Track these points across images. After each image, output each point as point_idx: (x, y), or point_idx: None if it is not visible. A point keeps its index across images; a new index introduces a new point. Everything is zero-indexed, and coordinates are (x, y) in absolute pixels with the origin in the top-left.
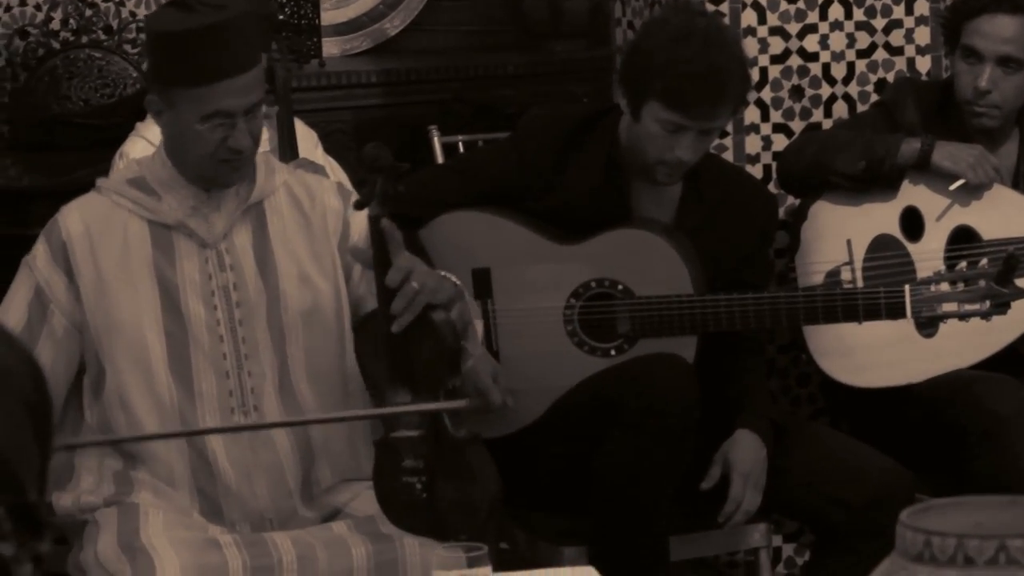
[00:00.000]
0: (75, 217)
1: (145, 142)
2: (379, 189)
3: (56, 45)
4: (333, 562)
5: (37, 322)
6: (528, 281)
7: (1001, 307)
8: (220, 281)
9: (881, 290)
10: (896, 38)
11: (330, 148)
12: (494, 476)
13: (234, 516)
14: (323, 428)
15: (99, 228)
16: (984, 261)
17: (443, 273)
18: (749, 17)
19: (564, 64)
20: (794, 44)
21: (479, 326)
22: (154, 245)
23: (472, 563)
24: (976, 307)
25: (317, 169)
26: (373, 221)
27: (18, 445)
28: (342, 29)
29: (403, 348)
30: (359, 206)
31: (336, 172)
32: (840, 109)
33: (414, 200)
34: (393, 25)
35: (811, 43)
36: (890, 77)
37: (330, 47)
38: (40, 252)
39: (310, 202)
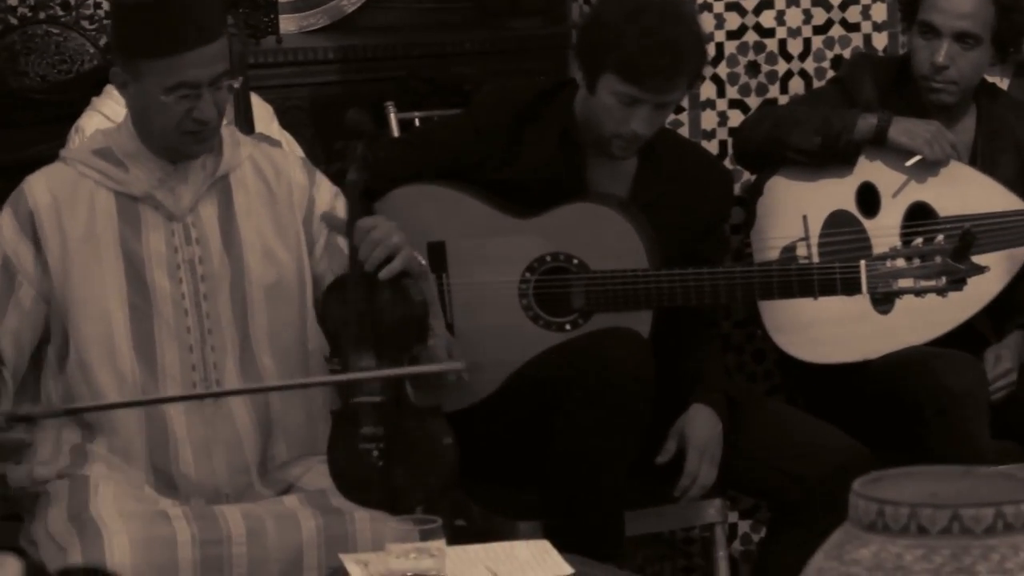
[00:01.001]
0: (42, 187)
1: (101, 116)
2: (360, 154)
3: (13, 21)
4: (283, 535)
5: (4, 293)
6: (483, 255)
7: (957, 283)
8: (186, 255)
9: (837, 265)
10: (853, 14)
11: (287, 124)
12: (452, 447)
13: (189, 491)
14: (282, 403)
15: (66, 198)
16: (940, 237)
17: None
18: None
19: (521, 41)
20: (750, 20)
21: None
22: (120, 217)
23: (425, 536)
24: (932, 283)
25: (274, 144)
26: (352, 186)
27: None
28: (299, 6)
29: (372, 312)
30: (338, 173)
31: (292, 147)
32: (796, 85)
33: (377, 172)
34: (350, 2)
35: (767, 19)
36: (847, 53)
37: (287, 23)
38: (6, 222)
39: (275, 176)
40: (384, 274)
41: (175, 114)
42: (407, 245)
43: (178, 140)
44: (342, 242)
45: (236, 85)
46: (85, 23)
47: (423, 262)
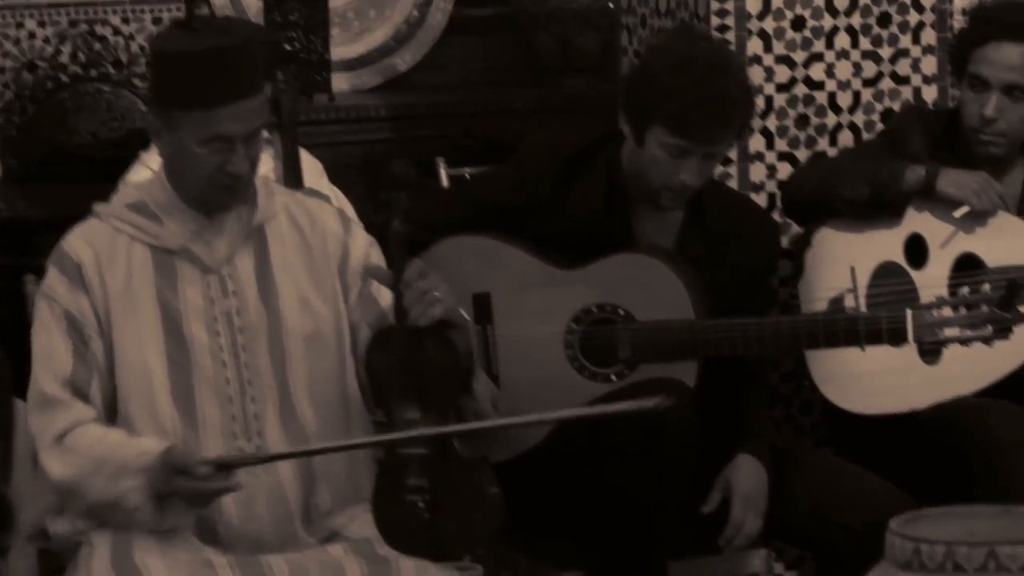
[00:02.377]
0: (81, 242)
1: (148, 170)
2: (404, 205)
3: (65, 79)
4: None
5: (82, 351)
6: (528, 306)
7: (1003, 332)
8: (223, 307)
9: (883, 315)
10: (903, 67)
11: (338, 182)
12: (498, 498)
13: (232, 540)
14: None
15: (105, 253)
16: (987, 287)
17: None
18: (755, 45)
19: (573, 99)
20: (800, 72)
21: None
22: (156, 270)
23: None
24: (978, 332)
25: (323, 199)
26: (396, 237)
27: None
28: (352, 64)
29: (416, 363)
30: (387, 222)
31: (342, 203)
32: (846, 138)
33: (421, 222)
34: (403, 61)
35: (817, 71)
36: (896, 106)
37: (340, 82)
38: (56, 281)
39: (311, 226)
40: (425, 320)
41: (208, 166)
42: (451, 296)
43: (209, 192)
44: (376, 291)
45: (272, 139)
46: (136, 81)
47: (465, 316)
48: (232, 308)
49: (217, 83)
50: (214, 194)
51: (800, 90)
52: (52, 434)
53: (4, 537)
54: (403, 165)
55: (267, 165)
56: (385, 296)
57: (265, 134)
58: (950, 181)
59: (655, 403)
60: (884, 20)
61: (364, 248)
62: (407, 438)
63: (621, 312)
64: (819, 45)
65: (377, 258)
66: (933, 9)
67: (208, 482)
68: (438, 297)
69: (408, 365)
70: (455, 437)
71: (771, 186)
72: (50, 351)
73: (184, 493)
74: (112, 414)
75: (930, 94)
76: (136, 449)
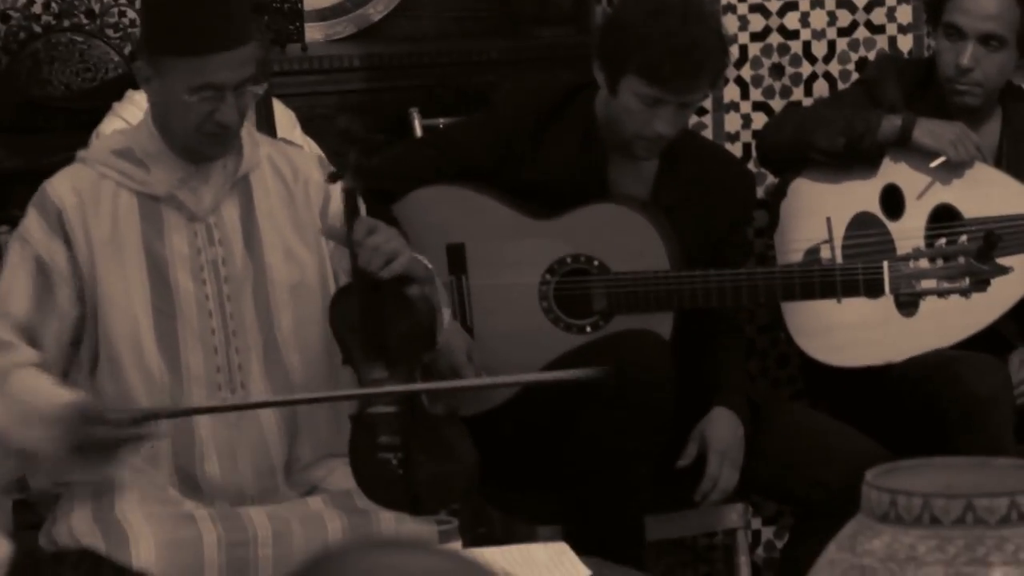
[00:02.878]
0: (66, 186)
1: (122, 121)
2: (353, 161)
3: (37, 29)
4: (308, 536)
5: (44, 297)
6: (503, 257)
7: (981, 284)
8: (209, 255)
9: (859, 266)
10: (878, 16)
11: (312, 132)
12: (471, 452)
13: (213, 493)
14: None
15: (89, 198)
16: (964, 238)
17: (416, 255)
18: None
19: (549, 50)
20: (774, 22)
21: (447, 314)
22: (143, 217)
23: (443, 537)
24: (955, 284)
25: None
26: (347, 194)
27: None
28: (325, 14)
29: (378, 322)
30: (332, 178)
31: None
32: (821, 88)
33: (388, 174)
34: (377, 10)
35: (791, 21)
36: (871, 56)
37: (313, 32)
38: (34, 223)
39: (293, 175)
40: (385, 274)
41: (196, 115)
42: (407, 249)
43: (197, 140)
44: None
45: (259, 92)
46: (109, 31)
47: (428, 265)
48: (218, 257)
49: (209, 31)
50: (202, 143)
51: (775, 39)
52: None
53: None
54: (349, 121)
55: None
56: None
57: (257, 89)
58: (926, 131)
59: (586, 374)
60: None
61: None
62: (371, 394)
63: (596, 263)
64: None
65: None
66: None
67: (122, 430)
68: (393, 251)
69: (368, 324)
70: (424, 393)
71: (746, 136)
72: (8, 292)
73: (98, 443)
74: (92, 363)
75: (905, 44)
76: (53, 399)
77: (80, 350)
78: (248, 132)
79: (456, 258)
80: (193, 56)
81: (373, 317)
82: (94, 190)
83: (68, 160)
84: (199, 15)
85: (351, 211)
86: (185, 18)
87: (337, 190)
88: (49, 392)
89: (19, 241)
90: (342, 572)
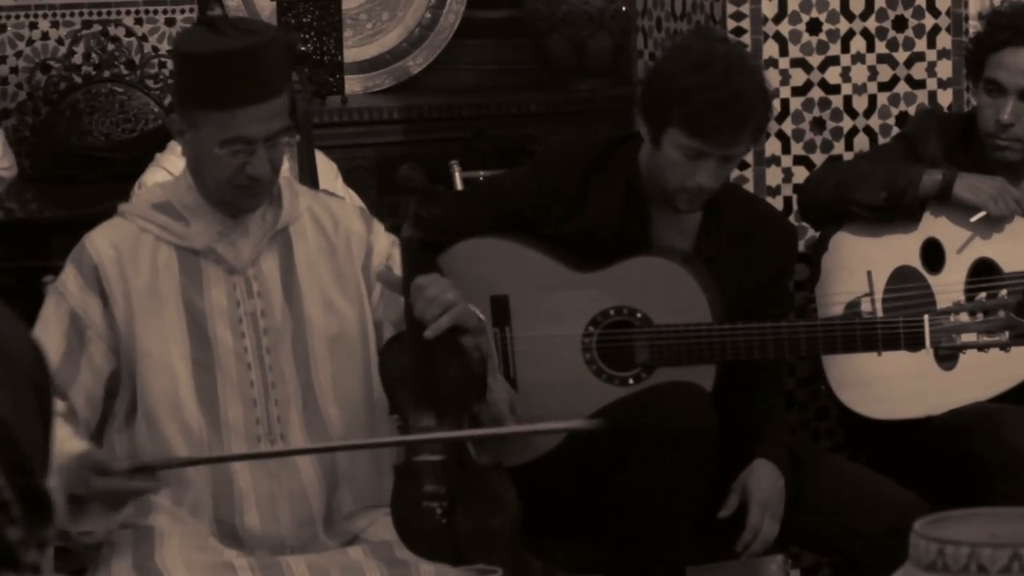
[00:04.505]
0: (104, 241)
1: (164, 171)
2: (413, 210)
3: (78, 79)
4: None
5: (76, 350)
6: (546, 309)
7: (1021, 338)
8: (248, 308)
9: (900, 320)
10: (918, 71)
11: (352, 183)
12: (515, 503)
13: (253, 543)
14: (348, 455)
15: (128, 252)
16: (1004, 292)
17: (470, 306)
18: (771, 48)
19: (586, 102)
20: (816, 76)
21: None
22: (182, 271)
23: None
24: (996, 338)
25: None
26: (406, 243)
27: (28, 427)
28: (365, 67)
29: (430, 371)
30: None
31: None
32: (861, 142)
33: (444, 225)
34: (416, 63)
35: (833, 75)
36: (911, 110)
37: (353, 84)
38: (71, 277)
39: (334, 227)
40: (430, 332)
41: (228, 167)
42: (462, 301)
43: (230, 193)
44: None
45: (293, 142)
46: (149, 82)
47: (481, 317)
48: (257, 310)
49: (240, 84)
50: (235, 195)
51: (816, 93)
52: None
53: (44, 531)
54: (411, 170)
55: (283, 167)
56: None
57: (287, 139)
58: (967, 186)
59: (580, 425)
60: (900, 24)
61: (387, 247)
62: (421, 441)
63: (639, 315)
64: (835, 48)
65: (399, 257)
66: (948, 13)
67: (126, 482)
68: (449, 302)
69: (420, 373)
70: (470, 442)
71: (787, 190)
72: (41, 341)
73: (102, 494)
74: (128, 416)
75: (945, 98)
76: (63, 448)
77: (115, 403)
78: (288, 184)
79: (500, 310)
80: (223, 109)
81: (426, 366)
82: (133, 244)
83: (108, 210)
84: (228, 69)
85: (410, 260)
86: (214, 72)
87: (382, 241)
88: (62, 442)
89: (55, 295)
90: None
